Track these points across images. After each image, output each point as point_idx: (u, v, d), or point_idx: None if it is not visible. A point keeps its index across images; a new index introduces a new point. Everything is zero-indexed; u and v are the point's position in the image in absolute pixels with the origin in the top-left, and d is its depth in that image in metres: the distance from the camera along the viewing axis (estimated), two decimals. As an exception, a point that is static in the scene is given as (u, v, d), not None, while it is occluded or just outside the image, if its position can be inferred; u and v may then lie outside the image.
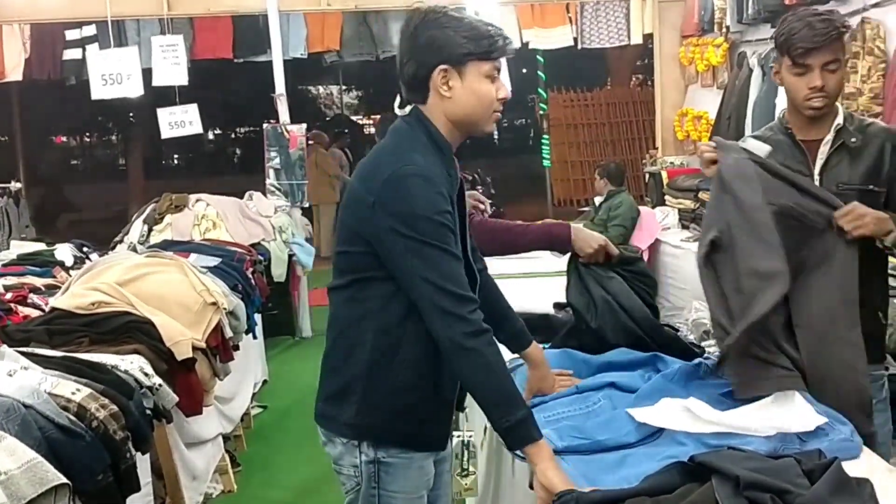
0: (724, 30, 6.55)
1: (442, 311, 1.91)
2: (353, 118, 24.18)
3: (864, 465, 1.92)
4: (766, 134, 2.55)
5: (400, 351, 2.04)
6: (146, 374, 2.84)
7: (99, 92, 6.80)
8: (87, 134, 26.89)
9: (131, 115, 16.14)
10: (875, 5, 4.77)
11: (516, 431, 1.90)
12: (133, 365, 2.83)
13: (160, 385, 2.89)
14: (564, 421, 2.25)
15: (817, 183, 2.42)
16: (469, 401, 2.24)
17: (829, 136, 2.45)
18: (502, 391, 1.93)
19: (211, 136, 24.70)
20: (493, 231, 2.78)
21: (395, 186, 1.94)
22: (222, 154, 26.29)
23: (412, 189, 1.93)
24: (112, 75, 6.62)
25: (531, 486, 2.00)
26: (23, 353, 2.58)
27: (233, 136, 25.84)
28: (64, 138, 26.07)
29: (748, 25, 6.26)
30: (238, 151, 26.56)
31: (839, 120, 2.45)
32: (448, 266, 1.93)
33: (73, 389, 2.32)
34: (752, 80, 5.96)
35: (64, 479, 1.86)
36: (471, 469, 2.25)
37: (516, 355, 2.41)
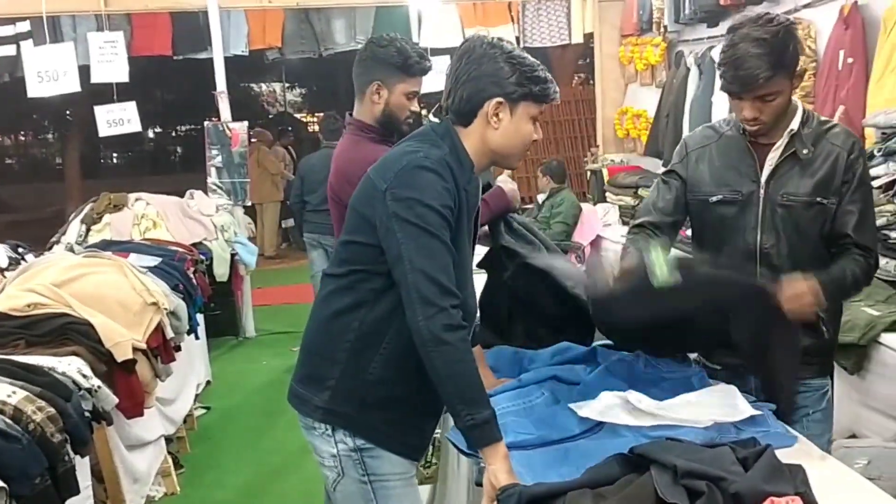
0: (662, 29, 6.67)
1: (426, 300, 1.91)
2: (297, 116, 23.96)
3: (797, 453, 1.99)
4: (722, 128, 2.48)
5: (383, 345, 2.06)
6: (84, 376, 2.79)
7: (35, 89, 6.63)
8: (23, 133, 26.18)
9: (68, 112, 15.77)
10: (806, 6, 4.90)
11: (480, 430, 1.91)
12: (71, 367, 2.78)
13: (99, 387, 2.84)
14: (509, 416, 2.27)
15: (762, 192, 2.35)
16: None
17: (781, 143, 2.35)
18: (471, 389, 1.93)
19: (151, 134, 24.26)
20: None
21: (408, 175, 1.98)
22: (163, 152, 25.83)
23: (423, 179, 1.97)
24: (48, 72, 6.45)
25: (478, 483, 2.03)
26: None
27: (173, 134, 25.40)
28: (-1, 137, 25.36)
29: (685, 25, 6.39)
30: (179, 150, 26.13)
31: (794, 125, 2.34)
32: (441, 258, 1.95)
33: (9, 392, 2.26)
34: (689, 79, 6.08)
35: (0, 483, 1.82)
36: (433, 461, 2.27)
37: None
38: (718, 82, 5.79)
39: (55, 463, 2.24)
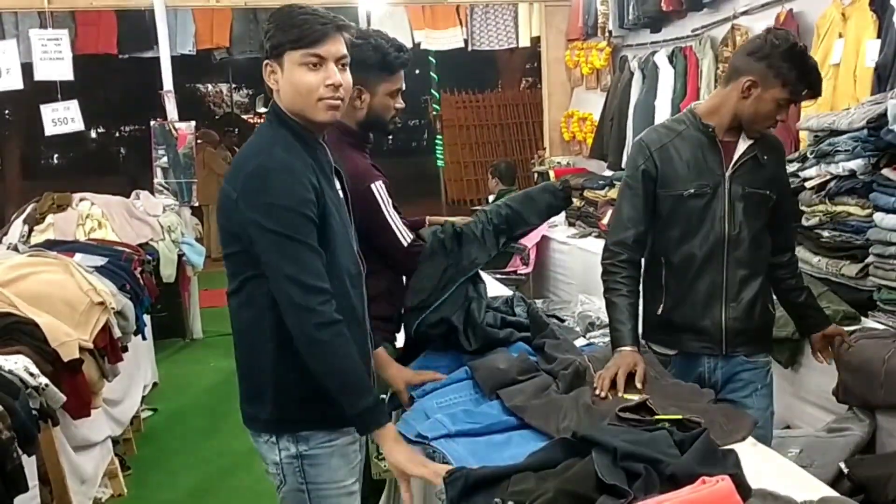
0: (607, 34, 6.80)
1: (294, 304, 1.94)
2: (244, 117, 23.75)
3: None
4: (677, 127, 2.64)
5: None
6: (31, 374, 2.77)
7: (-21, 86, 6.53)
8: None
9: (7, 112, 15.42)
10: (744, 13, 5.06)
11: (363, 418, 1.99)
12: (18, 364, 2.76)
13: (46, 385, 2.83)
14: (457, 406, 2.34)
15: (727, 182, 2.56)
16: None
17: (746, 145, 2.59)
18: (349, 381, 1.98)
19: (94, 134, 23.78)
20: None
21: (256, 179, 1.96)
22: (106, 153, 25.34)
23: (272, 181, 1.95)
24: (-6, 69, 6.35)
25: None
26: None
27: (117, 134, 24.95)
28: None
29: (629, 30, 6.53)
30: (123, 150, 25.68)
31: None
32: (304, 258, 1.95)
33: (-44, 389, 2.25)
34: (633, 83, 6.21)
35: (-52, 478, 1.82)
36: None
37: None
38: (661, 87, 5.95)
39: (3, 460, 2.23)
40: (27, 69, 6.70)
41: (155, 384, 5.81)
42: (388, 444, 1.99)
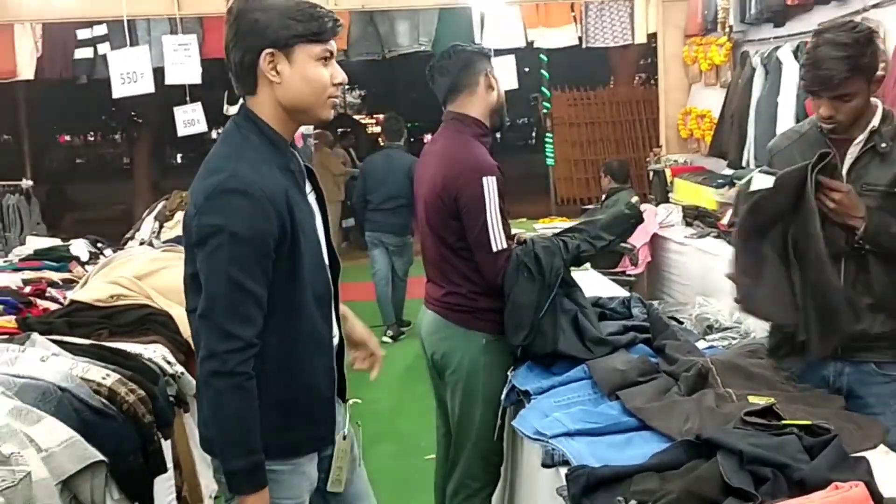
0: (727, 29, 6.62)
1: (205, 342, 1.84)
2: (356, 117, 24.28)
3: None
4: (803, 128, 2.63)
5: (262, 366, 1.89)
6: (168, 363, 2.94)
7: (118, 90, 6.90)
8: (91, 133, 27.00)
9: (133, 113, 16.19)
10: (875, 6, 4.85)
11: (233, 477, 1.88)
12: (156, 353, 2.93)
13: (182, 373, 2.99)
14: (575, 405, 2.36)
15: (844, 181, 2.44)
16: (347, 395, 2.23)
17: (862, 137, 2.47)
18: (229, 437, 1.85)
19: (214, 135, 24.75)
20: None
21: (214, 200, 1.83)
22: (227, 153, 26.33)
23: (231, 204, 1.82)
24: (129, 74, 6.71)
25: (544, 465, 2.11)
26: (52, 341, 2.68)
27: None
28: (68, 137, 26.19)
29: (751, 25, 6.33)
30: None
31: (875, 122, 2.47)
32: (234, 299, 1.82)
33: (104, 374, 2.41)
34: (754, 80, 6.03)
35: (101, 457, 1.96)
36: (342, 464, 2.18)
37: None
38: (784, 83, 5.77)
39: (146, 442, 2.38)
40: (157, 73, 7.05)
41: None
42: None
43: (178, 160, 26.36)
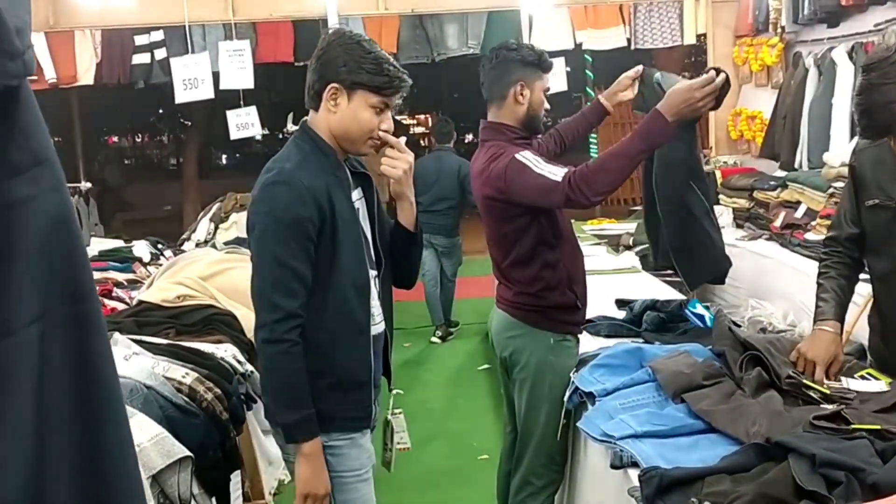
0: (779, 30, 6.58)
1: (257, 313, 2.15)
2: (397, 118, 24.38)
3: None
4: (877, 142, 2.43)
5: (304, 341, 2.17)
6: (239, 362, 3.03)
7: (181, 96, 7.07)
8: (139, 135, 27.51)
9: (180, 116, 16.46)
10: (934, 6, 4.80)
11: (289, 429, 2.17)
12: (227, 353, 3.02)
13: (252, 372, 3.07)
14: (641, 408, 2.39)
15: None
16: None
17: None
18: (282, 395, 2.16)
19: (258, 137, 25.02)
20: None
21: (265, 191, 2.16)
22: (271, 154, 26.47)
23: (276, 194, 2.14)
24: (190, 80, 6.86)
25: (613, 466, 2.15)
26: (132, 341, 2.78)
27: (280, 136, 26.19)
28: (116, 139, 26.71)
29: (804, 26, 6.28)
30: (286, 151, 26.85)
31: None
32: (278, 275, 2.11)
33: (183, 373, 2.51)
34: (808, 81, 5.98)
35: (188, 452, 2.05)
36: (388, 444, 2.50)
37: None
38: (839, 84, 5.71)
39: (223, 439, 2.47)
40: (213, 78, 7.20)
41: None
42: (303, 456, 2.15)
43: (223, 161, 26.73)
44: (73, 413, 0.75)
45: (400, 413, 2.54)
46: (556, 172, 2.73)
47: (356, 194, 2.32)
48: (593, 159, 2.61)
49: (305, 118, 2.31)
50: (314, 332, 2.17)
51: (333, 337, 2.21)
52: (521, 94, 2.94)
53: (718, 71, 2.60)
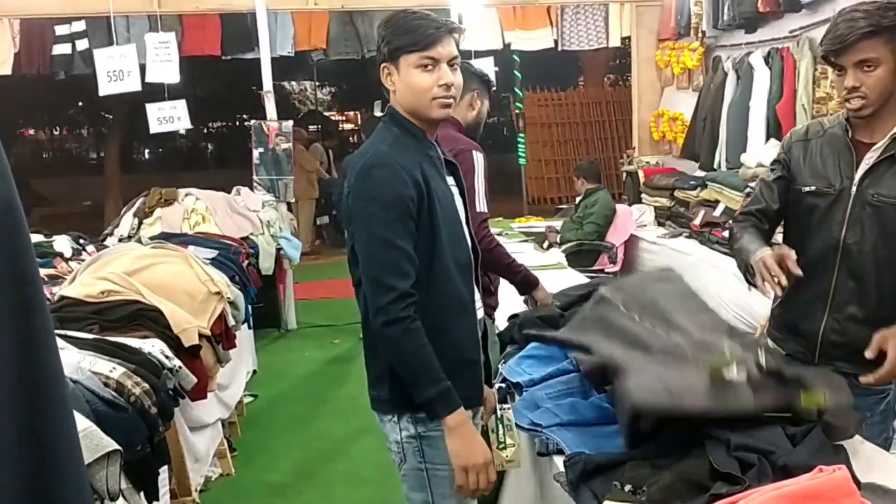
0: (700, 35, 6.80)
1: (370, 299, 2.11)
2: (326, 114, 24.23)
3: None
4: (828, 125, 2.51)
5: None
6: (167, 357, 3.00)
7: (105, 88, 6.92)
8: (57, 128, 26.69)
9: (101, 110, 16.07)
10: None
11: (429, 406, 2.12)
12: (154, 347, 2.98)
13: (180, 367, 3.05)
14: (566, 397, 2.46)
15: (854, 189, 2.39)
16: None
17: (882, 144, 2.36)
18: (414, 373, 2.11)
19: (182, 131, 24.60)
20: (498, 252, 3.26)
21: (362, 176, 2.12)
22: (195, 149, 26.19)
23: (374, 176, 2.10)
24: (115, 72, 6.71)
25: (539, 453, 2.21)
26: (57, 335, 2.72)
27: (205, 131, 25.78)
28: (32, 131, 25.86)
29: (723, 31, 6.51)
30: (210, 146, 26.49)
31: None
32: (387, 256, 2.09)
33: (111, 367, 2.47)
34: (726, 84, 6.20)
35: (116, 446, 2.02)
36: (508, 441, 2.36)
37: None
38: (756, 88, 5.90)
39: (152, 433, 2.45)
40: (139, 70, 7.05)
41: (254, 372, 6.07)
42: (451, 430, 2.10)
43: (146, 156, 26.15)
44: (18, 394, 0.75)
45: (509, 408, 2.45)
46: (484, 205, 3.12)
47: (450, 180, 2.30)
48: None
49: (390, 104, 2.27)
50: (423, 310, 2.12)
51: (442, 314, 2.18)
52: (475, 102, 3.29)
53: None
